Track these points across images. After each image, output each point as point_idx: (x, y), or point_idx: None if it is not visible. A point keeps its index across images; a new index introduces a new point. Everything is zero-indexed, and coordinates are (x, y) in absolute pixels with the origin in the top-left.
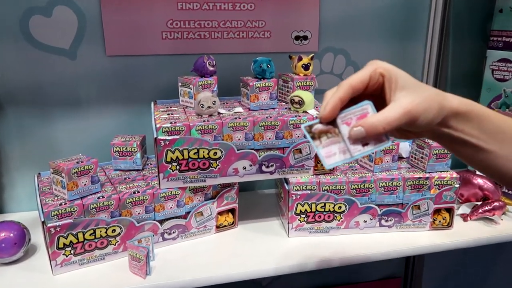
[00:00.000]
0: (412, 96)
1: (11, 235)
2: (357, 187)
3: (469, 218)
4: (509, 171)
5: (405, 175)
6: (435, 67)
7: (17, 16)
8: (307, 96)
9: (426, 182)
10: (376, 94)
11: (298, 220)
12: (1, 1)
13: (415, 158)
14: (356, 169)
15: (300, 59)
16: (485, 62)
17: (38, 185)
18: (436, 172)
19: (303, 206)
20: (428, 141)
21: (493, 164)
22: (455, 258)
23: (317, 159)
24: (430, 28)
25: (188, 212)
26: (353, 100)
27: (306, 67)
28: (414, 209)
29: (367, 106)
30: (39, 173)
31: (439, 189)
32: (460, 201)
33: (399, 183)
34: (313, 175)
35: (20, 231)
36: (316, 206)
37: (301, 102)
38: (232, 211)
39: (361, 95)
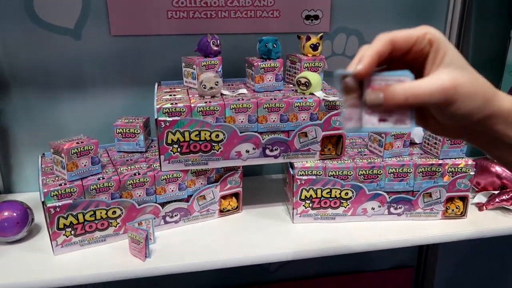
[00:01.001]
0: (456, 74)
1: (14, 214)
2: (365, 173)
3: (484, 208)
4: None
5: (417, 161)
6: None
7: None
8: (314, 77)
9: (438, 169)
10: (416, 66)
11: (303, 206)
12: None
13: (428, 144)
14: (365, 154)
15: (308, 38)
16: (509, 43)
17: (41, 165)
18: (450, 158)
19: (308, 192)
20: None
21: None
22: (470, 248)
23: (323, 143)
24: (450, 7)
25: (191, 196)
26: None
27: (314, 47)
28: (426, 196)
29: (406, 76)
30: (43, 154)
31: (452, 177)
32: (477, 189)
33: (410, 170)
34: (319, 159)
35: (23, 211)
36: (321, 192)
37: (307, 84)
38: (236, 195)
39: (397, 62)
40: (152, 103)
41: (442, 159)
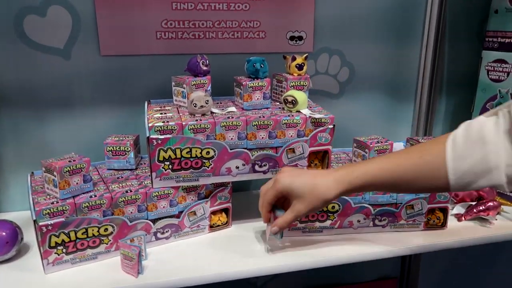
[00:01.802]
0: (300, 203)
1: (3, 233)
2: None
3: (463, 218)
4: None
5: None
6: (431, 67)
7: (11, 15)
8: (301, 96)
9: None
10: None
11: None
12: None
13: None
14: None
15: (294, 59)
16: (480, 63)
17: (31, 184)
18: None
19: None
20: (422, 140)
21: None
22: (452, 258)
23: (310, 158)
24: (425, 29)
25: (181, 212)
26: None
27: (300, 67)
28: (408, 208)
29: (282, 212)
30: (32, 172)
31: None
32: (455, 201)
33: None
34: None
35: (12, 230)
36: None
37: (294, 102)
38: (225, 210)
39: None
40: (141, 121)
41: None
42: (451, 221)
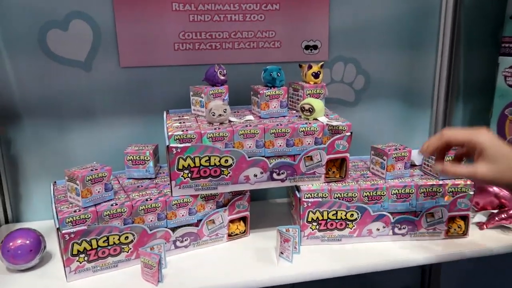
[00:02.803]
0: (489, 167)
1: (27, 242)
2: (369, 195)
3: (485, 227)
4: None
5: (418, 182)
6: (447, 75)
7: (35, 29)
8: (318, 104)
9: (439, 189)
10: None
11: (310, 228)
12: (21, 15)
13: (428, 165)
14: (368, 176)
15: (310, 67)
16: (497, 69)
17: (54, 193)
18: (449, 179)
19: (314, 214)
20: None
21: None
22: (473, 267)
23: (327, 166)
24: (440, 36)
25: (200, 220)
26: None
27: (316, 75)
28: (428, 217)
29: None
30: (55, 182)
31: (453, 196)
32: (476, 209)
33: (412, 190)
34: (324, 182)
35: (36, 238)
36: (328, 213)
37: (311, 110)
38: (243, 219)
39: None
40: (160, 131)
41: (442, 179)
42: (473, 230)
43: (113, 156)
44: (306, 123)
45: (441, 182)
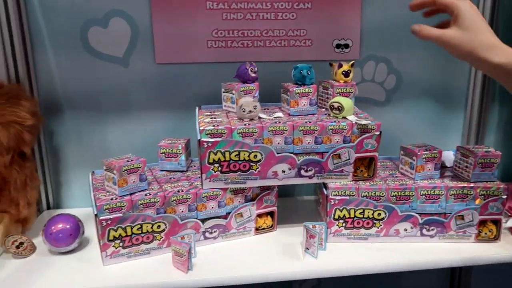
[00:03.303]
0: (456, 32)
1: (67, 226)
2: (397, 194)
3: None
4: None
5: (448, 184)
6: (483, 75)
7: (77, 27)
8: (347, 102)
9: (470, 192)
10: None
11: (337, 225)
12: (64, 13)
13: (459, 167)
14: (396, 176)
15: (340, 66)
16: None
17: (92, 182)
18: (481, 181)
19: (341, 212)
20: (473, 149)
21: None
22: (503, 272)
23: (356, 164)
24: None
25: (229, 213)
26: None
27: (346, 74)
28: (458, 219)
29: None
30: (93, 171)
31: (484, 200)
32: (509, 214)
33: (442, 192)
34: (352, 180)
35: (75, 224)
36: (355, 212)
37: (340, 108)
38: (271, 214)
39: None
40: (191, 126)
41: (473, 182)
42: (505, 235)
43: (146, 148)
44: (334, 121)
45: (472, 185)
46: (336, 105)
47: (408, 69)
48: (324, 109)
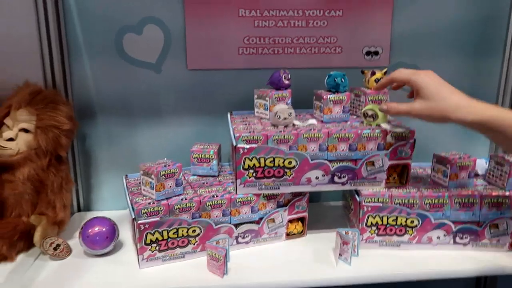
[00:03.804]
0: (422, 104)
1: (104, 229)
2: (431, 202)
3: None
4: None
5: (483, 192)
6: None
7: (112, 34)
8: None
9: (505, 201)
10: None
11: (369, 232)
12: (100, 21)
13: (493, 175)
14: (429, 184)
15: (373, 73)
16: None
17: (126, 185)
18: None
19: (374, 219)
20: (508, 158)
21: None
22: None
23: (388, 172)
24: (508, 42)
25: (261, 218)
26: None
27: (378, 81)
28: (492, 227)
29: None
30: (127, 175)
31: None
32: None
33: (476, 200)
34: (384, 188)
35: (111, 227)
36: (387, 219)
37: (374, 116)
38: (301, 219)
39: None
40: (222, 131)
41: (509, 190)
42: None
43: (177, 153)
44: (369, 129)
45: (507, 193)
46: (370, 112)
47: (439, 75)
48: (356, 116)
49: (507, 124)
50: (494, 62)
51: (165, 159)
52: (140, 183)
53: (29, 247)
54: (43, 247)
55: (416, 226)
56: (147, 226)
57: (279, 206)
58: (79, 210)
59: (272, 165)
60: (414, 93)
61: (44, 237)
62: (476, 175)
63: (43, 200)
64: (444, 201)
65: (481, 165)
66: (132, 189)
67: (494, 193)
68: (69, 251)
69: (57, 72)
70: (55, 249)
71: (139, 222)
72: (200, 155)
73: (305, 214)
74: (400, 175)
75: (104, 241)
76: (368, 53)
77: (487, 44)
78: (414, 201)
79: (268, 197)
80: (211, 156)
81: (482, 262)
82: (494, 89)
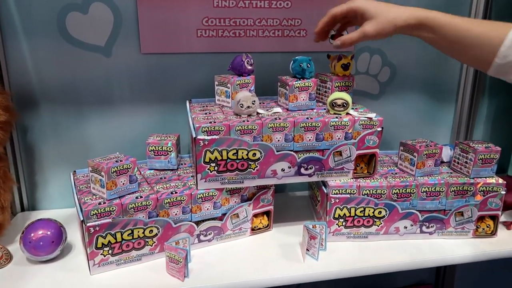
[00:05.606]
0: (371, 23)
1: (49, 233)
2: (398, 192)
3: None
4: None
5: (449, 180)
6: (474, 70)
7: (54, 12)
8: (349, 98)
9: (470, 188)
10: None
11: (336, 224)
12: None
13: (458, 163)
14: (396, 173)
15: (340, 58)
16: None
17: (74, 183)
18: (481, 177)
19: (342, 210)
20: (473, 145)
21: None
22: (488, 266)
23: (356, 161)
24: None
25: (224, 214)
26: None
27: (345, 67)
28: (457, 215)
29: None
30: (75, 171)
31: (484, 196)
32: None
33: (443, 189)
34: (352, 178)
35: (57, 230)
36: (355, 210)
37: (345, 105)
38: (267, 213)
39: (346, 18)
40: (180, 120)
41: (473, 178)
42: (500, 230)
43: (131, 145)
44: (337, 117)
45: (472, 181)
46: (339, 102)
47: (402, 62)
48: (322, 103)
49: (448, 25)
50: None
51: (117, 153)
52: (89, 180)
53: None
54: None
55: (384, 216)
56: (97, 228)
57: (243, 200)
58: (22, 210)
59: (235, 157)
60: (358, 19)
61: None
62: (442, 162)
63: None
64: (411, 191)
65: (446, 152)
66: (81, 187)
67: (459, 181)
68: (9, 258)
69: None
70: None
71: (88, 224)
72: (156, 147)
73: (271, 207)
74: (367, 164)
75: (49, 246)
76: (333, 37)
77: None
78: (382, 191)
79: (232, 192)
80: (169, 148)
81: (447, 250)
82: (456, 75)
